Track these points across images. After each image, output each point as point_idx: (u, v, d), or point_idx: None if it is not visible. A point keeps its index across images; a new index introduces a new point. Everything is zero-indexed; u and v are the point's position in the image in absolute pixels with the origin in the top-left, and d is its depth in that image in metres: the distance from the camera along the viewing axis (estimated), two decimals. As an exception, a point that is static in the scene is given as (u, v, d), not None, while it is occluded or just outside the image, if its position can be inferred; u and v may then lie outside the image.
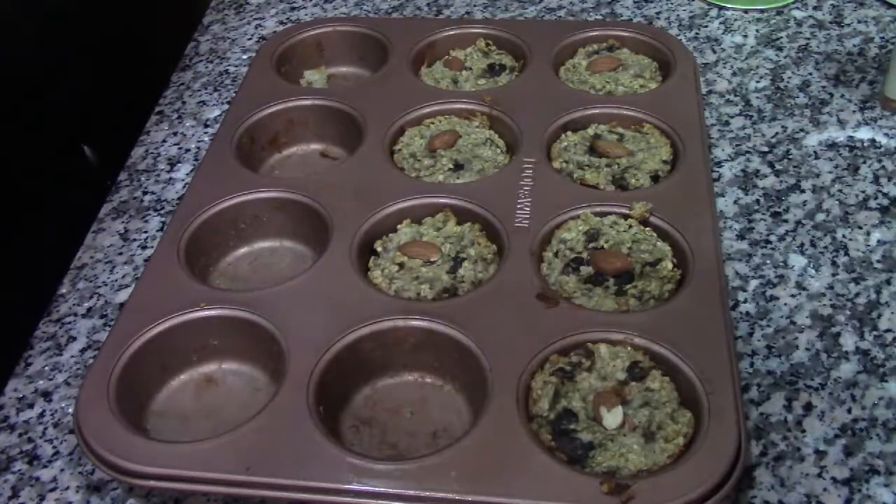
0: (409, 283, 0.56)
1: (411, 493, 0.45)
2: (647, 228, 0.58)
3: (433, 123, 0.69)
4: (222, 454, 0.47)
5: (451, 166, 0.65)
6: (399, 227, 0.61)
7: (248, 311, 0.55)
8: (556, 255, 0.57)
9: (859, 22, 0.81)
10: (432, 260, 0.58)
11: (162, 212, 0.69)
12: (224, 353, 0.56)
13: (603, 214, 0.59)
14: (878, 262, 0.59)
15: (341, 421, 0.52)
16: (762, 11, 0.83)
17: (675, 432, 0.47)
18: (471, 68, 0.75)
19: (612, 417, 0.47)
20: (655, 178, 0.62)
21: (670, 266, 0.56)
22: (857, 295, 0.57)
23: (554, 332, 0.51)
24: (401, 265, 0.58)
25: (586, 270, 0.56)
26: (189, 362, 0.56)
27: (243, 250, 0.64)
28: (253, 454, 0.47)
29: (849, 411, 0.51)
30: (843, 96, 0.73)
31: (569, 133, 0.67)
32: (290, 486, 0.46)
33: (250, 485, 0.46)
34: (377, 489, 0.45)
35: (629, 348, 0.51)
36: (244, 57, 0.85)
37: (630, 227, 0.58)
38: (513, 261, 0.56)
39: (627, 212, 0.59)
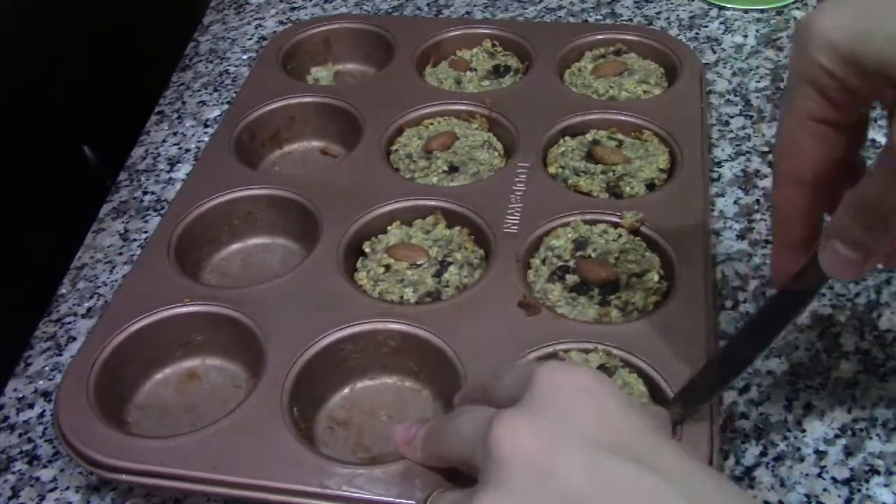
0: (394, 286, 0.56)
1: (375, 497, 0.44)
2: (637, 238, 0.58)
3: (432, 124, 0.69)
4: (193, 451, 0.47)
5: (446, 168, 0.64)
6: (389, 228, 0.61)
7: (231, 308, 0.55)
8: (543, 262, 0.57)
9: (859, 22, 0.81)
10: (418, 263, 0.58)
11: (162, 212, 0.69)
12: (207, 348, 0.56)
13: (593, 222, 0.59)
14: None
15: (317, 421, 0.52)
16: (762, 11, 0.83)
17: None
18: (476, 69, 0.75)
19: None
20: (651, 186, 0.62)
21: (656, 278, 0.55)
22: (857, 295, 0.57)
23: (532, 341, 0.51)
24: (387, 267, 0.58)
25: (572, 279, 0.55)
26: (172, 357, 0.56)
27: (236, 246, 0.65)
28: (223, 452, 0.47)
29: (849, 411, 0.51)
30: (843, 96, 0.73)
31: (567, 138, 0.67)
32: (256, 485, 0.46)
33: (217, 483, 0.46)
34: (340, 492, 0.45)
35: (600, 353, 0.50)
36: (244, 57, 0.85)
37: (620, 236, 0.58)
38: (498, 267, 0.56)
39: (618, 220, 0.59)
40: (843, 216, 0.38)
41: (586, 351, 0.50)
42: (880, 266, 0.51)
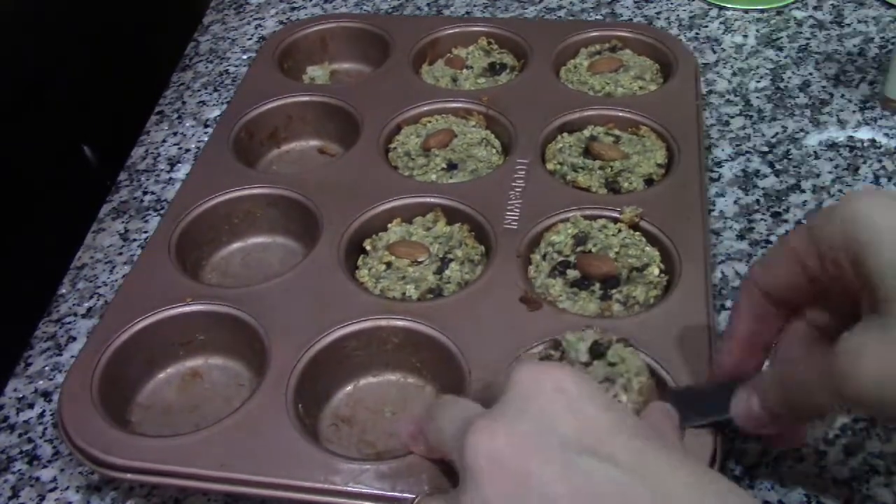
0: (395, 283, 0.56)
1: (382, 493, 0.45)
2: (637, 233, 0.58)
3: (430, 122, 0.69)
4: (199, 449, 0.47)
5: (445, 166, 0.65)
6: (389, 225, 0.61)
7: (233, 307, 0.55)
8: (543, 257, 0.57)
9: (859, 22, 0.81)
10: (419, 260, 0.58)
11: (162, 212, 0.69)
12: (210, 348, 0.56)
13: (593, 218, 0.59)
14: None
15: (321, 418, 0.52)
16: (762, 11, 0.83)
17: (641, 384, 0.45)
18: (472, 67, 0.75)
19: None
20: (649, 181, 0.62)
21: (657, 272, 0.55)
22: (857, 295, 0.57)
23: (534, 337, 0.51)
24: (388, 264, 0.58)
25: (573, 274, 0.55)
26: (175, 356, 0.56)
27: (236, 245, 0.65)
28: (229, 450, 0.47)
29: (849, 411, 0.51)
30: (843, 96, 0.73)
31: (565, 134, 0.67)
32: (263, 482, 0.46)
33: (224, 480, 0.46)
34: (347, 488, 0.45)
35: (593, 329, 0.49)
36: (244, 57, 0.85)
37: (619, 231, 0.58)
38: (499, 263, 0.56)
39: (617, 216, 0.59)
40: (767, 378, 0.41)
41: (582, 330, 0.50)
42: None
